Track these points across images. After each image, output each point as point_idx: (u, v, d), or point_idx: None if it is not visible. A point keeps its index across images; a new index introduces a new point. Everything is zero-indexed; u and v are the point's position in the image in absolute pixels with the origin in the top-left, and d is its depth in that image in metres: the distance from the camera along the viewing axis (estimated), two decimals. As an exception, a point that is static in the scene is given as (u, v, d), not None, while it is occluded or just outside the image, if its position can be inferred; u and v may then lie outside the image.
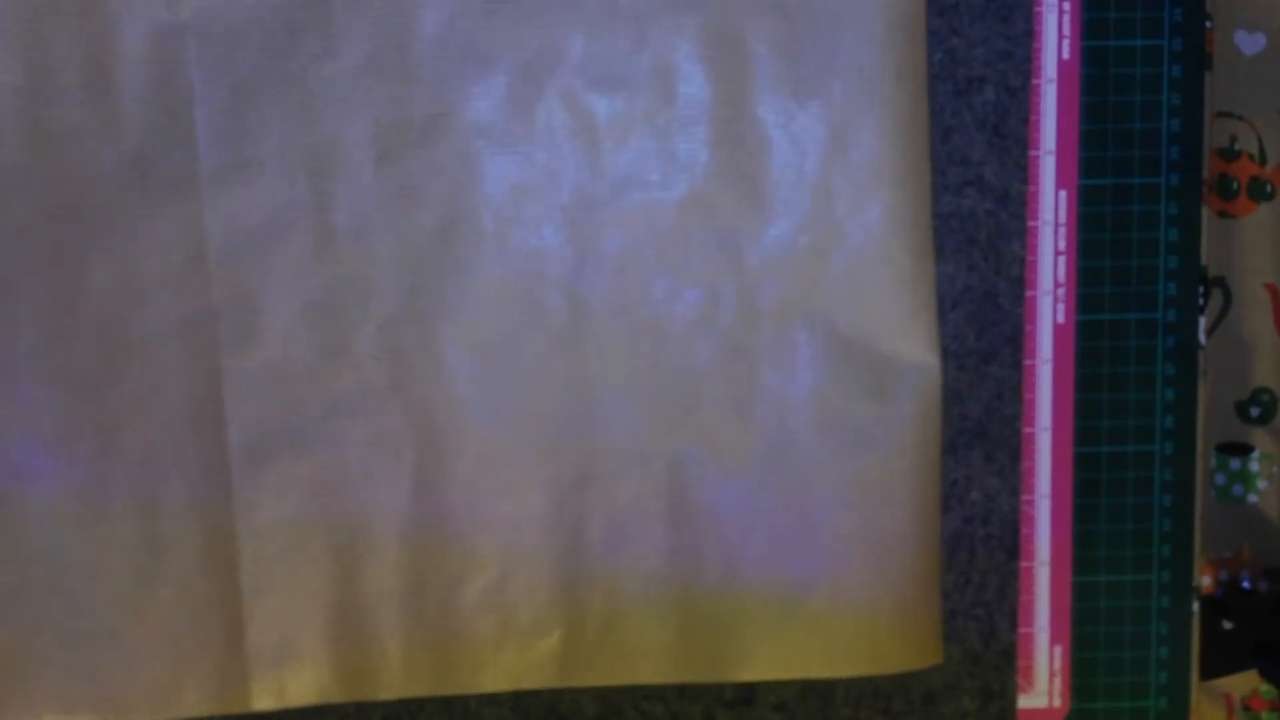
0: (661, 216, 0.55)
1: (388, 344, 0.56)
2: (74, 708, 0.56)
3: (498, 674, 0.57)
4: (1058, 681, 0.59)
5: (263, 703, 0.57)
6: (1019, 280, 0.57)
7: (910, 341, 0.55)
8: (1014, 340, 0.58)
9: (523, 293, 0.55)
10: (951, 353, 0.58)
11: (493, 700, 0.59)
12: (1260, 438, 0.62)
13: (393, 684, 0.57)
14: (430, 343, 0.56)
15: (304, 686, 0.57)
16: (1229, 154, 0.61)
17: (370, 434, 0.56)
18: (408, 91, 0.54)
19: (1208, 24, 0.57)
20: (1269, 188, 0.61)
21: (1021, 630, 0.59)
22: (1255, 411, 0.62)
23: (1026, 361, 0.58)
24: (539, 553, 0.56)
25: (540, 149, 0.55)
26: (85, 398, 0.55)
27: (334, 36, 0.54)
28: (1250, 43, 0.61)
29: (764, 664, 0.57)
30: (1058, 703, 0.59)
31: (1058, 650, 0.59)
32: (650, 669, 0.57)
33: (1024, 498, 0.59)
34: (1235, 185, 0.61)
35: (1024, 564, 0.59)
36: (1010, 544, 0.59)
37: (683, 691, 0.59)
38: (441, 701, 0.59)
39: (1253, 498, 0.63)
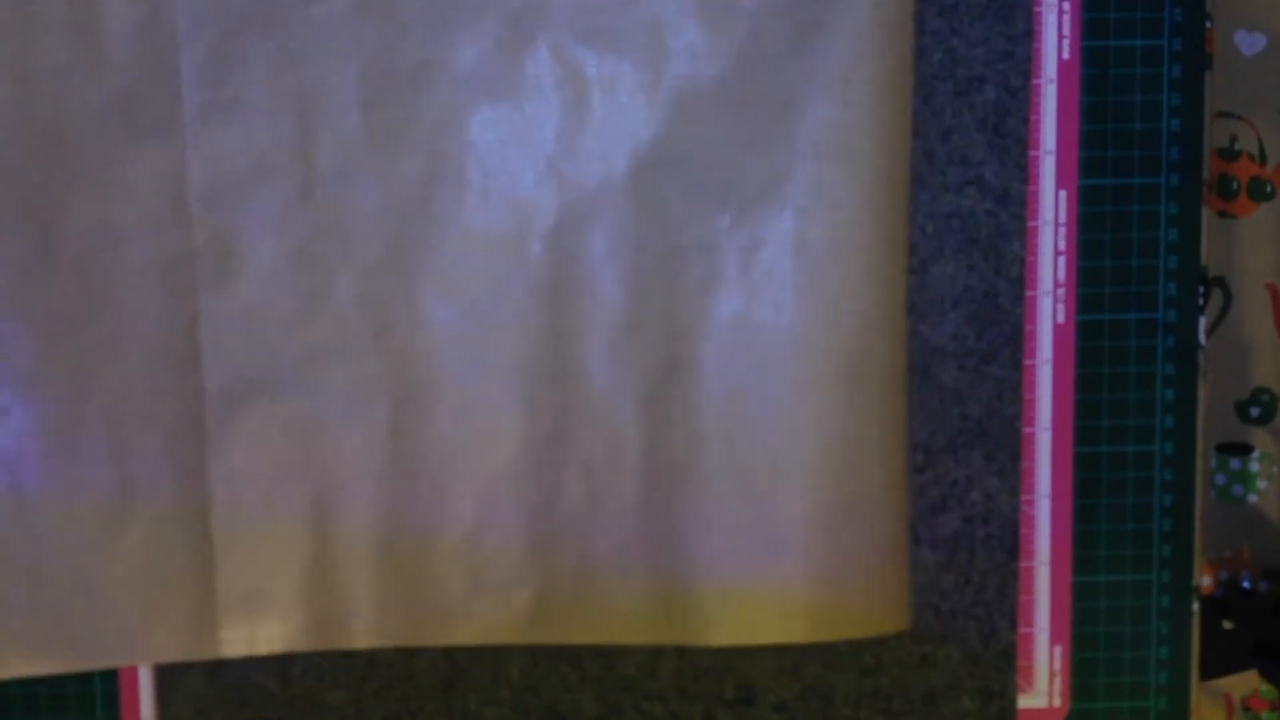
0: (648, 171, 0.55)
1: (368, 292, 0.55)
2: (40, 652, 0.56)
3: (469, 627, 0.56)
4: (1058, 681, 0.59)
5: (232, 649, 0.56)
6: (1019, 280, 0.57)
7: (880, 314, 0.55)
8: (1014, 340, 0.58)
9: (505, 244, 0.55)
10: (951, 353, 0.58)
11: (493, 700, 0.59)
12: (1260, 438, 0.62)
13: (363, 634, 0.57)
14: (410, 292, 0.55)
15: (274, 634, 0.56)
16: (1229, 154, 0.61)
17: (347, 382, 0.56)
18: (396, 38, 0.54)
19: (1208, 24, 0.57)
20: (1269, 188, 0.61)
21: (1021, 630, 0.59)
22: (1255, 411, 0.62)
23: (1026, 361, 0.58)
24: (514, 507, 0.56)
25: (528, 100, 0.55)
26: (61, 337, 0.55)
27: None
28: (1250, 43, 0.61)
29: (734, 629, 0.56)
30: (1058, 703, 0.59)
31: (1058, 650, 0.59)
32: (621, 629, 0.57)
33: (1024, 498, 0.58)
34: (1235, 185, 0.61)
35: (1024, 564, 0.59)
36: (1010, 544, 0.59)
37: (682, 691, 0.59)
38: (442, 701, 0.59)
39: (1253, 498, 0.63)
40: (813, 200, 0.55)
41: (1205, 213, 0.58)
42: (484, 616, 0.56)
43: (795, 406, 0.55)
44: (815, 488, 0.56)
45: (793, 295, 0.55)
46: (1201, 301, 0.58)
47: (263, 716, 0.59)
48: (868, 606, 0.56)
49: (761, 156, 0.55)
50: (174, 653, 0.56)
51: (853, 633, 0.56)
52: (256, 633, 0.56)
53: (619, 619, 0.56)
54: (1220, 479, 0.63)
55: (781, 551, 0.56)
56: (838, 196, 0.54)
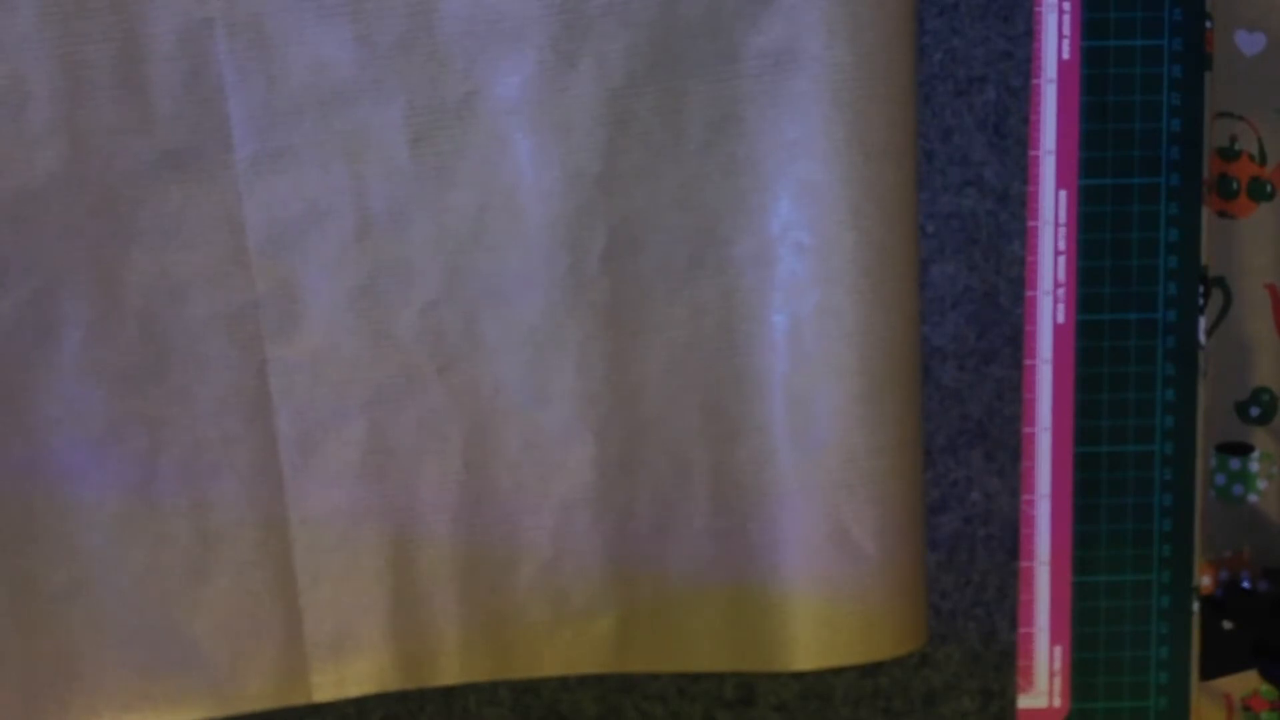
0: (697, 182, 0.55)
1: (430, 327, 0.56)
2: (133, 705, 0.56)
3: (554, 657, 0.57)
4: (1058, 681, 0.59)
5: (324, 693, 0.57)
6: (1019, 280, 0.57)
7: (913, 310, 0.55)
8: (1014, 340, 0.58)
9: (563, 269, 0.55)
10: (951, 353, 0.58)
11: (492, 700, 0.59)
12: (1260, 438, 0.62)
13: (451, 671, 0.57)
14: (472, 323, 0.56)
15: (363, 675, 0.57)
16: (1229, 154, 0.61)
17: (417, 418, 0.56)
18: (439, 71, 0.54)
19: (1208, 24, 0.57)
20: (1269, 188, 0.61)
21: (1021, 630, 0.59)
22: (1255, 411, 0.62)
23: (1026, 361, 0.58)
24: (589, 534, 0.57)
25: (575, 122, 0.55)
26: (132, 395, 0.55)
27: (363, 18, 0.53)
28: (1250, 43, 0.61)
29: (821, 652, 0.56)
30: (1058, 703, 0.59)
31: (1058, 650, 0.59)
32: (705, 657, 0.57)
33: (1024, 498, 0.58)
34: (1235, 185, 0.61)
35: (1024, 564, 0.59)
36: (1010, 544, 0.59)
37: (683, 691, 0.59)
38: (442, 701, 0.59)
39: (1253, 498, 0.63)
40: (864, 198, 0.55)
41: (1205, 213, 0.58)
42: (568, 646, 0.57)
43: (861, 412, 0.55)
44: (884, 496, 0.56)
45: (850, 297, 0.55)
46: (1201, 301, 0.58)
47: (263, 715, 0.59)
48: (920, 611, 0.57)
49: (809, 158, 0.55)
50: (266, 700, 0.56)
51: (917, 644, 0.57)
52: (346, 674, 0.57)
53: (702, 645, 0.57)
54: (1220, 479, 0.63)
55: (861, 564, 0.56)
56: (883, 193, 0.55)
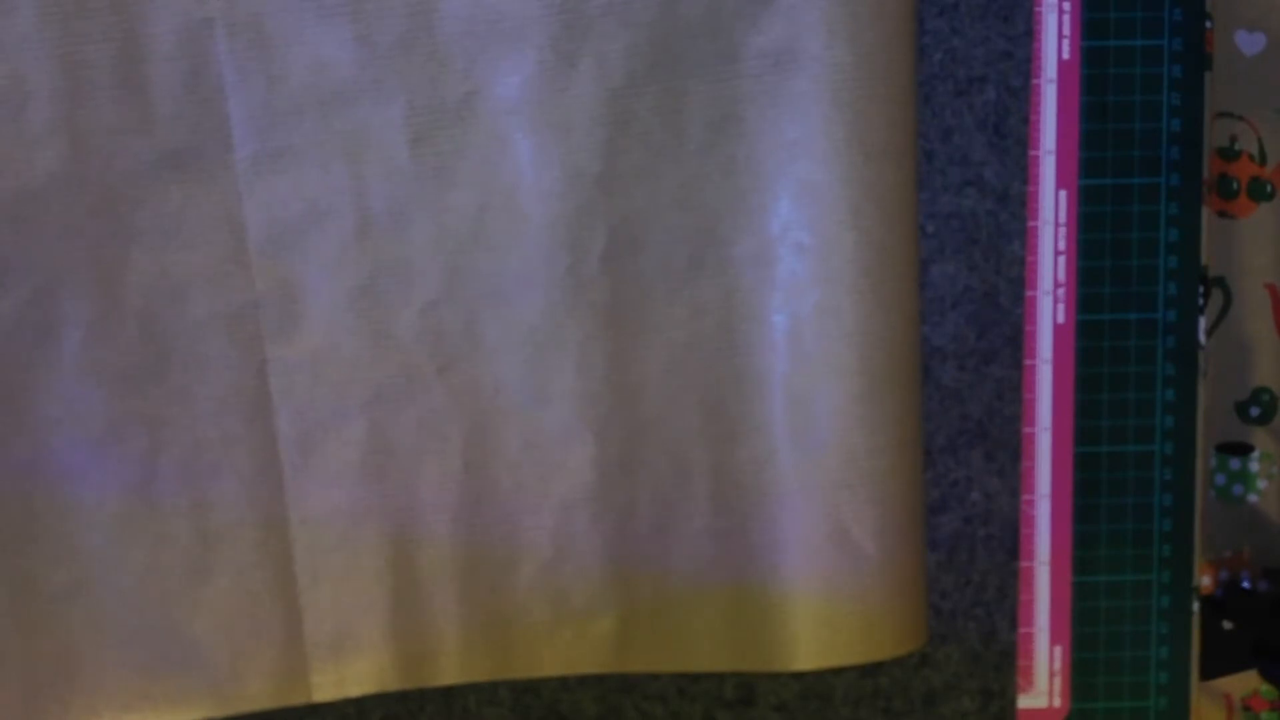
0: (697, 183, 0.55)
1: (430, 327, 0.56)
2: (133, 705, 0.56)
3: (554, 657, 0.57)
4: (1058, 681, 0.59)
5: (324, 693, 0.57)
6: (1019, 280, 0.57)
7: (913, 309, 0.55)
8: (1014, 340, 0.58)
9: (563, 269, 0.55)
10: (951, 353, 0.58)
11: (492, 700, 0.59)
12: (1260, 438, 0.62)
13: (451, 671, 0.57)
14: (472, 324, 0.56)
15: (363, 675, 0.57)
16: (1229, 154, 0.61)
17: (417, 418, 0.56)
18: (439, 71, 0.54)
19: (1208, 24, 0.57)
20: (1269, 188, 0.61)
21: (1021, 630, 0.59)
22: (1255, 411, 0.62)
23: (1026, 361, 0.58)
24: (589, 534, 0.57)
25: (575, 121, 0.55)
26: (132, 394, 0.55)
27: (363, 18, 0.53)
28: (1250, 43, 0.61)
29: (821, 652, 0.56)
30: (1058, 703, 0.59)
31: (1058, 650, 0.59)
32: (705, 657, 0.57)
33: (1024, 498, 0.59)
34: (1235, 185, 0.61)
35: (1024, 564, 0.59)
36: (1010, 544, 0.59)
37: (683, 691, 0.59)
38: (442, 701, 0.59)
39: (1253, 498, 0.63)
40: (864, 198, 0.55)
41: (1205, 213, 0.58)
42: (568, 646, 0.57)
43: (861, 412, 0.56)
44: (884, 496, 0.56)
45: (850, 297, 0.55)
46: (1201, 301, 0.58)
47: (263, 715, 0.59)
48: (920, 611, 0.57)
49: (809, 158, 0.55)
50: (266, 700, 0.57)
51: (917, 644, 0.57)
52: (346, 674, 0.57)
53: (702, 645, 0.57)
54: (1220, 479, 0.63)
55: (861, 564, 0.56)
56: (883, 193, 0.55)
